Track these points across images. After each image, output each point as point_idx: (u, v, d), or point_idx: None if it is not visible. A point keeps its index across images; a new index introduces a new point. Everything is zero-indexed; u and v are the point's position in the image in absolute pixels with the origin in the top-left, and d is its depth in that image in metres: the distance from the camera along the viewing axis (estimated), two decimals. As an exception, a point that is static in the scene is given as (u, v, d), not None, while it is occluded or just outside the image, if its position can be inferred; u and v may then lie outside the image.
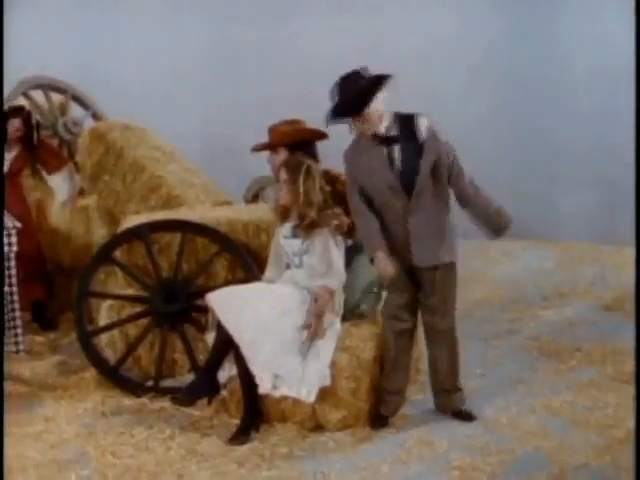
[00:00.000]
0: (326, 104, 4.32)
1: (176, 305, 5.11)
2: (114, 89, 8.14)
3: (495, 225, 4.41)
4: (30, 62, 7.47)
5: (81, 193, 6.75)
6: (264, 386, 4.39)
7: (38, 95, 7.33)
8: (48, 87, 7.34)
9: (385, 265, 4.34)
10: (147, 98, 8.70)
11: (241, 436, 4.43)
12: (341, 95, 4.28)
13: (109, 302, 5.32)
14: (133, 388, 5.09)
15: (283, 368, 4.38)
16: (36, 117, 6.72)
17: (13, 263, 5.72)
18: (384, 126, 4.33)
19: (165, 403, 4.91)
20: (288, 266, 4.72)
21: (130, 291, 5.28)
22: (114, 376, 5.12)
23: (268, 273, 4.81)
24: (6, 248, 5.67)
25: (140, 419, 4.77)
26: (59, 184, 6.66)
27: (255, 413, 4.51)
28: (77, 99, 7.52)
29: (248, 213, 5.54)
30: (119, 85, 8.73)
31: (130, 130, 6.42)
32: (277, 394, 4.43)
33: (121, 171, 6.19)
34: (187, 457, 4.27)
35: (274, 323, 4.43)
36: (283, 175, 4.64)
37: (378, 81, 4.26)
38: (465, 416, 4.63)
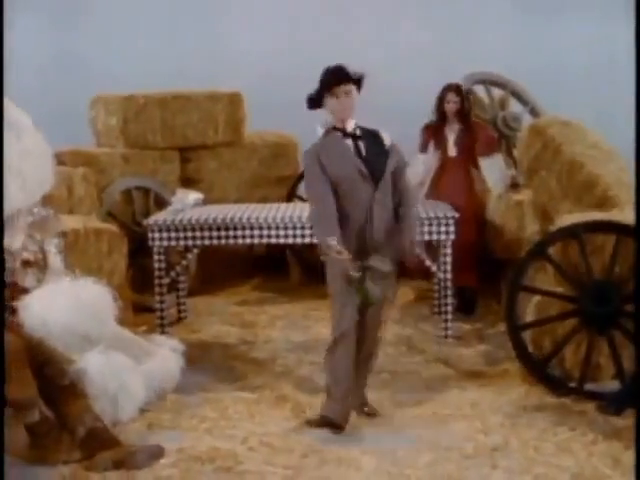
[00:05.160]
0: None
1: (606, 308, 5.04)
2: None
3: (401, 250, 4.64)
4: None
5: (515, 187, 6.85)
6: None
7: (480, 90, 7.59)
8: (489, 82, 7.57)
9: (340, 251, 4.36)
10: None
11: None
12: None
13: (537, 298, 5.37)
14: (556, 386, 5.08)
15: None
16: (470, 98, 6.92)
17: (449, 251, 6.02)
18: (351, 126, 4.56)
19: (587, 406, 4.87)
20: None
21: (560, 290, 5.29)
22: (539, 372, 5.14)
23: None
24: (443, 236, 5.96)
25: (562, 419, 4.76)
26: (486, 169, 6.81)
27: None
28: (516, 94, 7.65)
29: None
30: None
31: (569, 127, 6.38)
32: None
33: (557, 167, 6.16)
34: (610, 466, 4.21)
35: None
36: None
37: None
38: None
